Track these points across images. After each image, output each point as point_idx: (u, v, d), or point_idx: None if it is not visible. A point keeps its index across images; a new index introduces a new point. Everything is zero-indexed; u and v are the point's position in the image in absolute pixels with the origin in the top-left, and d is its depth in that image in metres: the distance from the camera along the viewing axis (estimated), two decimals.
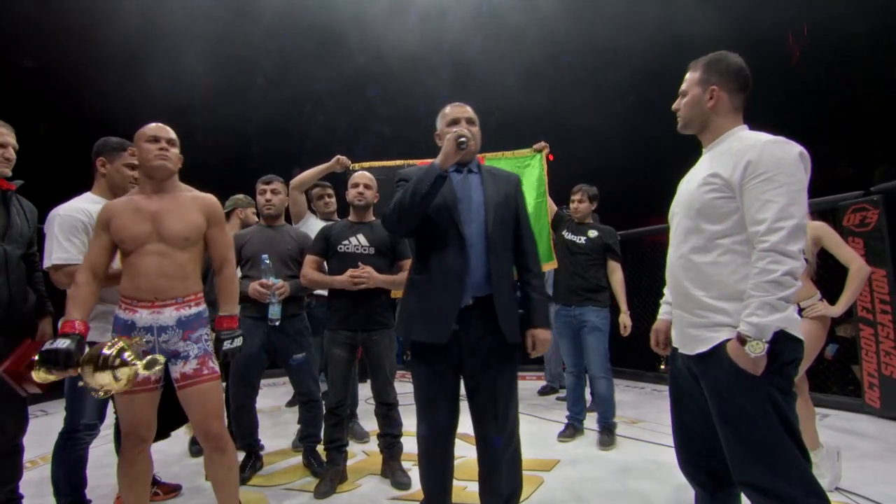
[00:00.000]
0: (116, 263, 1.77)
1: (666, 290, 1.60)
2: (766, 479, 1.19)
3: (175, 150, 1.72)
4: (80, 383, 1.52)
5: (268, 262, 2.31)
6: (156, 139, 1.67)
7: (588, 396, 3.28)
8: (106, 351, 1.47)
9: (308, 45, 6.48)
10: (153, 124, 1.72)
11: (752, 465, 1.21)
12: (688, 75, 1.41)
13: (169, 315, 1.64)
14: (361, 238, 2.38)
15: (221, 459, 1.72)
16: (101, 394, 1.50)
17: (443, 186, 1.59)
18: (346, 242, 2.36)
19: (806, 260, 2.18)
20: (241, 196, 3.10)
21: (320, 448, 2.53)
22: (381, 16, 6.63)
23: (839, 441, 2.51)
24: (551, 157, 3.49)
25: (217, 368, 1.72)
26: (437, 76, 6.88)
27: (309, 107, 6.80)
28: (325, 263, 2.45)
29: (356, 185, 2.43)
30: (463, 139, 1.54)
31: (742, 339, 1.17)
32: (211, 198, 1.78)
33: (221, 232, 1.79)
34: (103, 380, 1.46)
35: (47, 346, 1.47)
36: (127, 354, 1.48)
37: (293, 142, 6.48)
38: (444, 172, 1.56)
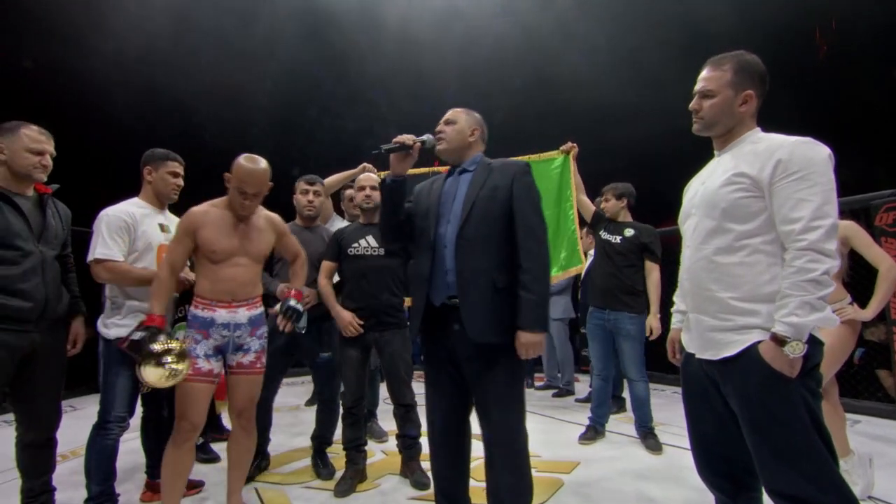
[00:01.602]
0: (141, 263, 1.98)
1: (676, 298, 1.57)
2: (799, 487, 1.16)
3: (257, 201, 1.92)
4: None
5: (304, 322, 2.34)
6: (243, 194, 1.85)
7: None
8: (156, 347, 1.68)
9: (316, 47, 6.52)
10: (249, 172, 1.83)
11: (783, 473, 1.18)
12: (710, 73, 1.35)
13: (242, 314, 1.91)
14: (371, 240, 2.40)
15: (246, 440, 1.99)
16: (145, 388, 1.72)
17: (435, 191, 1.72)
18: (356, 245, 2.38)
19: None
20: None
21: (332, 448, 2.56)
22: (395, 18, 6.64)
23: (871, 448, 2.43)
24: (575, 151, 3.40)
25: (265, 363, 2.00)
26: (445, 76, 6.85)
27: (315, 111, 6.85)
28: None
29: (363, 188, 2.45)
30: (383, 148, 1.63)
31: (780, 340, 1.15)
32: (276, 216, 2.09)
33: (289, 238, 2.15)
34: (148, 375, 1.67)
35: (131, 335, 1.71)
36: (169, 358, 1.68)
37: (298, 144, 6.54)
38: (391, 181, 1.66)
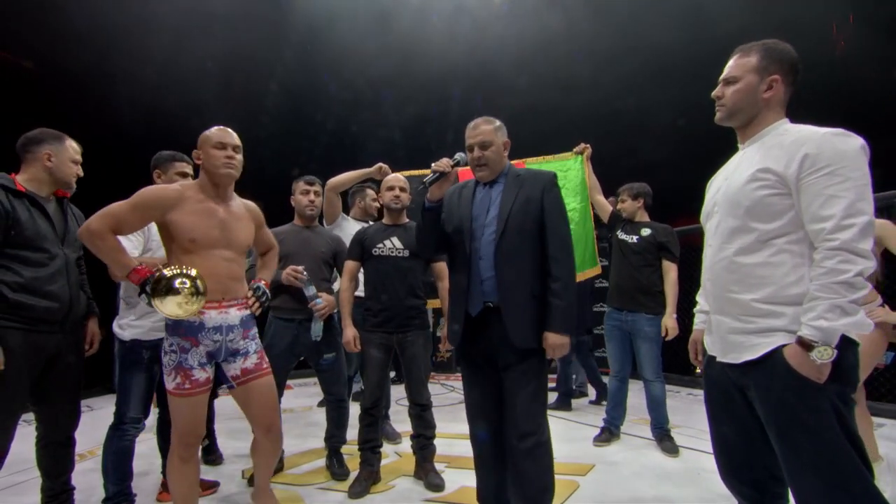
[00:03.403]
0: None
1: (699, 298, 1.53)
2: (830, 498, 1.09)
3: (240, 157, 1.76)
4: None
5: (313, 290, 2.36)
6: (223, 146, 1.72)
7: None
8: (166, 273, 1.56)
9: (322, 49, 6.52)
10: (217, 128, 1.76)
11: (813, 482, 1.11)
12: (737, 61, 1.30)
13: (234, 315, 1.73)
14: (396, 241, 2.39)
15: (273, 449, 1.83)
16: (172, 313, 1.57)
17: (465, 203, 1.76)
18: (380, 245, 2.38)
19: None
20: None
21: (345, 449, 2.56)
22: (403, 19, 6.63)
23: None
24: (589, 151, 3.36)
25: (268, 361, 1.84)
26: (451, 77, 6.83)
27: (320, 114, 6.86)
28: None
29: (392, 189, 2.44)
30: (426, 179, 1.68)
31: (807, 345, 1.09)
32: (254, 204, 1.92)
33: (266, 230, 2.01)
34: (165, 307, 1.55)
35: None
36: (178, 281, 1.55)
37: (302, 147, 6.55)
38: (431, 205, 1.72)
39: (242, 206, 1.84)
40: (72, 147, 1.91)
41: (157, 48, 5.47)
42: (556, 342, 1.63)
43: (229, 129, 1.79)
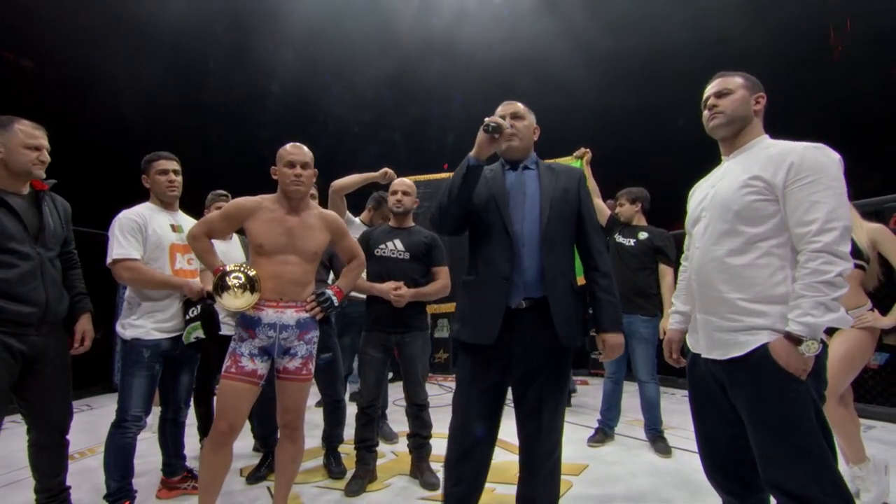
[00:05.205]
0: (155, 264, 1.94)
1: (675, 300, 1.60)
2: (800, 485, 1.18)
3: (308, 173, 1.85)
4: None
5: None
6: (292, 164, 1.83)
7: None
8: (226, 270, 1.77)
9: (323, 51, 6.54)
10: (290, 146, 1.87)
11: (786, 469, 1.20)
12: (725, 80, 1.42)
13: (290, 316, 1.83)
14: (398, 243, 2.43)
15: (290, 448, 1.91)
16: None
17: (497, 183, 1.61)
18: (382, 246, 2.42)
19: (860, 266, 2.08)
20: (221, 191, 3.00)
21: (342, 448, 2.60)
22: (404, 21, 6.65)
23: (887, 455, 2.40)
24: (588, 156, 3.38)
25: (312, 370, 1.91)
26: (452, 79, 6.85)
27: (321, 115, 6.89)
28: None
29: (395, 193, 2.49)
30: (491, 124, 1.46)
31: (795, 339, 1.17)
32: (332, 214, 1.99)
33: (348, 239, 2.04)
34: (222, 300, 1.76)
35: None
36: (232, 277, 1.75)
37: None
38: (477, 162, 1.49)
39: (317, 217, 1.92)
40: (22, 131, 1.71)
41: (158, 48, 5.48)
42: (616, 342, 1.56)
43: (301, 146, 1.87)
